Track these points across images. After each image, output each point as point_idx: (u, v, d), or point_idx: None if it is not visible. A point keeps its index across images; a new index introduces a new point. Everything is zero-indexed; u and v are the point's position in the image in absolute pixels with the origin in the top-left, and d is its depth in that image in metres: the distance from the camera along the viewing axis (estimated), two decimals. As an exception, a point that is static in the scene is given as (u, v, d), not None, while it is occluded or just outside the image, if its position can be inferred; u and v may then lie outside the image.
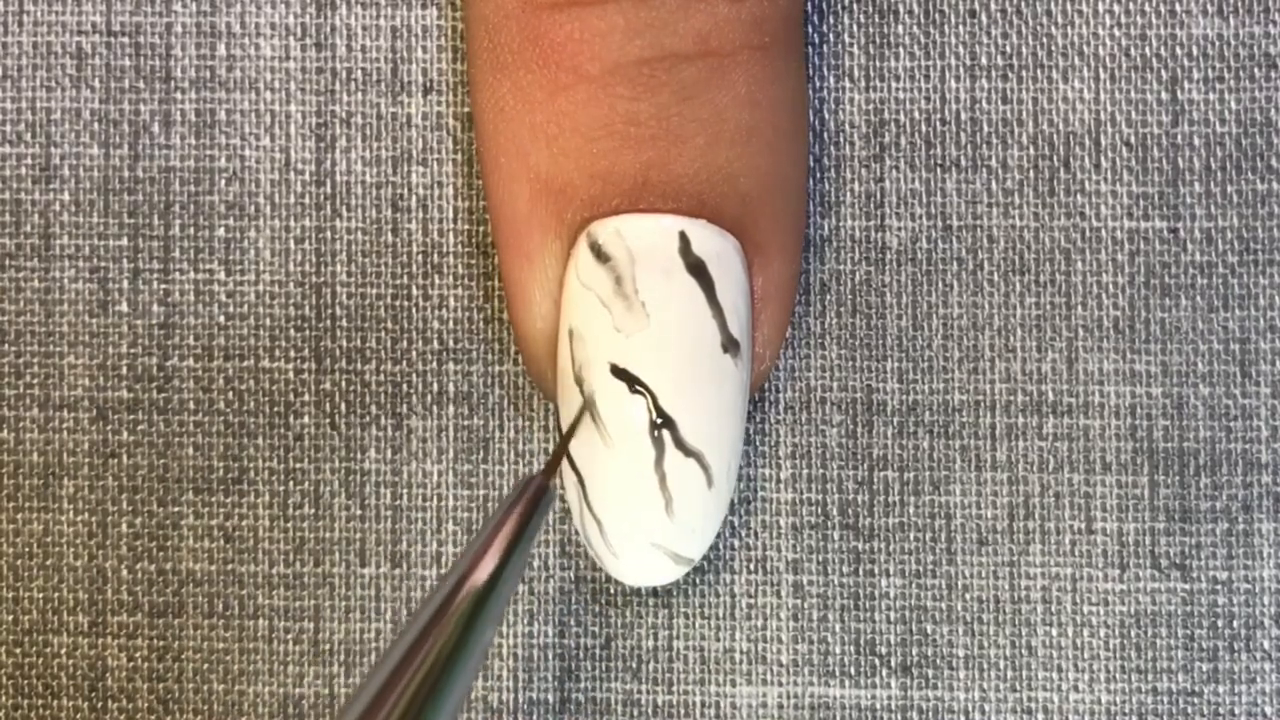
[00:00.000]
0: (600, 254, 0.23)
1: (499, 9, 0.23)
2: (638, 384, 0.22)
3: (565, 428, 0.23)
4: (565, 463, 0.23)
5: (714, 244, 0.23)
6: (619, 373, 0.22)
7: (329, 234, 0.25)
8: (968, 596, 0.25)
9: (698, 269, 0.23)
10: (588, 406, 0.23)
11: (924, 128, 0.25)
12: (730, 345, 0.23)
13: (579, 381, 0.23)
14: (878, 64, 0.25)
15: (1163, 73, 0.25)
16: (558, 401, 0.23)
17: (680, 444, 0.22)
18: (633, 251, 0.23)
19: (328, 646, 0.25)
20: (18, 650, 0.25)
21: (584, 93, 0.23)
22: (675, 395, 0.22)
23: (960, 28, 0.25)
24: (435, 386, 0.25)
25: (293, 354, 0.25)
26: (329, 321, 0.25)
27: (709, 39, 0.23)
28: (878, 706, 0.25)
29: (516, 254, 0.23)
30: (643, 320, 0.22)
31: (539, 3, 0.23)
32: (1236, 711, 0.24)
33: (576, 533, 0.25)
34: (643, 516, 0.23)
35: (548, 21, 0.23)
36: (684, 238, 0.23)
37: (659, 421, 0.22)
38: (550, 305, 0.23)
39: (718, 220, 0.23)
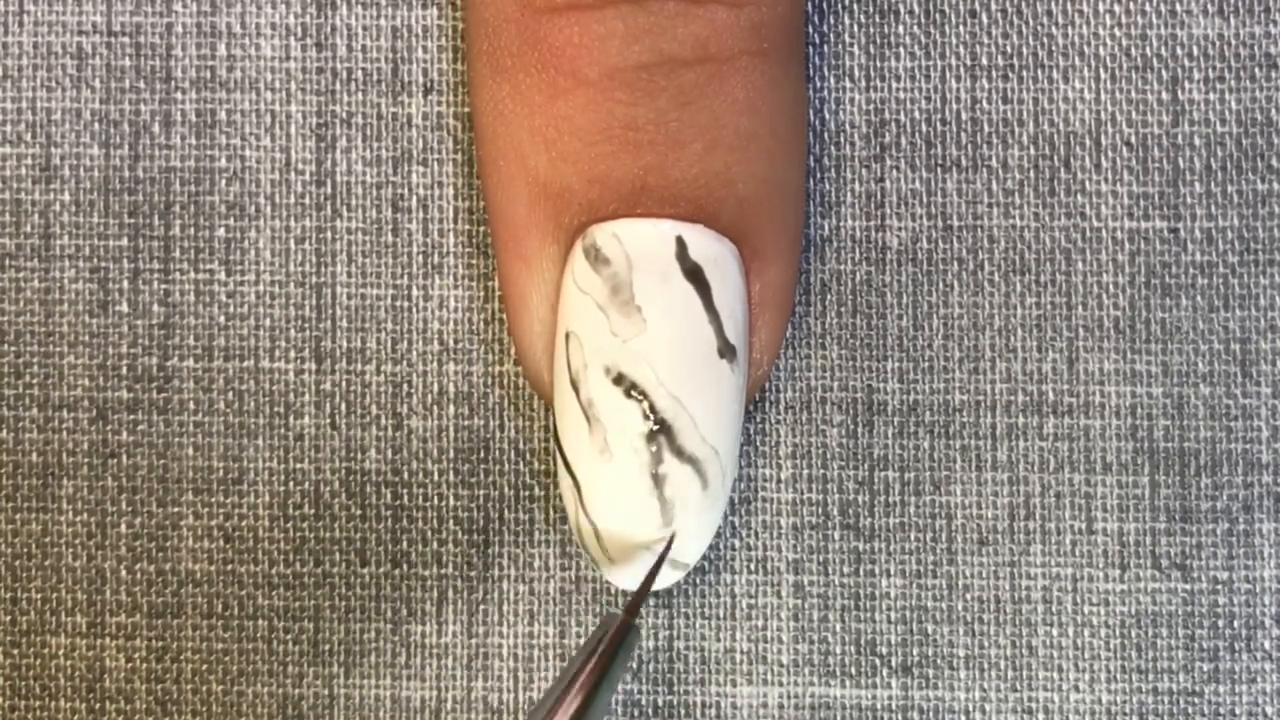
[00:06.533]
0: (598, 258, 0.23)
1: (499, 12, 0.23)
2: (634, 388, 0.22)
3: (561, 430, 0.23)
4: (561, 466, 0.23)
5: (711, 249, 0.23)
6: (615, 377, 0.22)
7: (329, 234, 0.25)
8: (968, 596, 0.25)
9: (694, 274, 0.23)
10: (584, 410, 0.23)
11: (924, 128, 0.25)
12: (727, 350, 0.23)
13: (575, 385, 0.23)
14: (878, 64, 0.25)
15: (1163, 73, 0.25)
16: (554, 405, 0.23)
17: (676, 449, 0.22)
18: (630, 256, 0.23)
19: (327, 647, 0.25)
20: (15, 651, 0.25)
21: (583, 97, 0.23)
22: (671, 400, 0.22)
23: (960, 28, 0.25)
24: (435, 387, 0.25)
25: (293, 354, 0.25)
26: (329, 322, 0.25)
27: (708, 44, 0.23)
28: (878, 706, 0.25)
29: (514, 257, 0.23)
30: (639, 325, 0.22)
31: (538, 6, 0.23)
32: (1237, 711, 0.24)
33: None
34: (638, 521, 0.23)
35: (547, 25, 0.23)
36: (681, 243, 0.23)
37: (655, 427, 0.22)
38: (547, 309, 0.23)
39: (715, 225, 0.23)
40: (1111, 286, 0.25)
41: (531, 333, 0.23)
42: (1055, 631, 0.24)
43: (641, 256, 0.23)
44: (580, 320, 0.23)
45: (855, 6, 0.25)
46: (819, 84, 0.25)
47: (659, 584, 0.23)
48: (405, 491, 0.25)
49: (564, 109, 0.23)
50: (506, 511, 0.25)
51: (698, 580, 0.25)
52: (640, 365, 0.22)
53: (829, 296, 0.25)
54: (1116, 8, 0.25)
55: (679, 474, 0.22)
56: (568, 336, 0.23)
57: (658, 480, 0.22)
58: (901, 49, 0.25)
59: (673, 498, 0.23)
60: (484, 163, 0.24)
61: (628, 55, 0.22)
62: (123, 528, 0.25)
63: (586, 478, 0.23)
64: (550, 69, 0.23)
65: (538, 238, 0.23)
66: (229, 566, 0.25)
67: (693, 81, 0.23)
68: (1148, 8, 0.25)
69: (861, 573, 0.25)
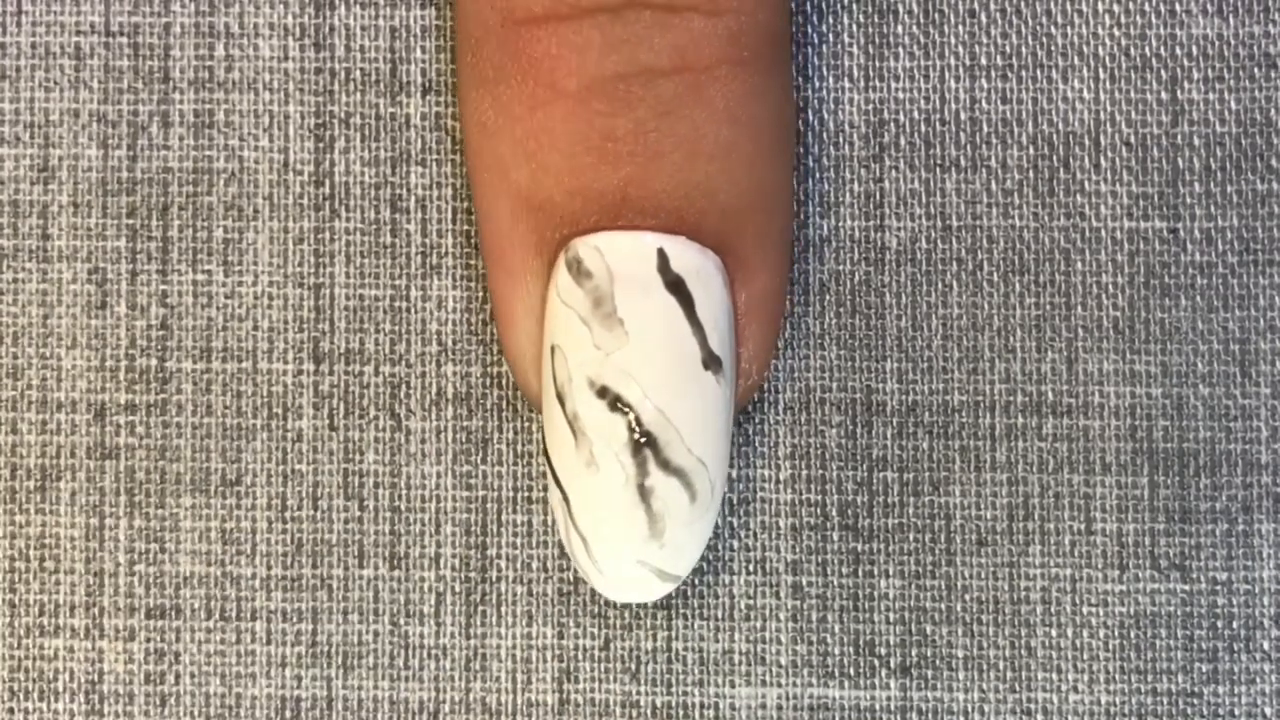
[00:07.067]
0: (580, 271, 0.23)
1: (481, 24, 0.23)
2: (619, 402, 0.22)
3: (549, 443, 0.23)
4: (550, 478, 0.23)
5: (693, 260, 0.23)
6: (600, 390, 0.22)
7: (327, 235, 0.25)
8: (967, 597, 0.25)
9: (676, 286, 0.23)
10: (570, 423, 0.23)
11: (923, 128, 0.25)
12: (711, 362, 0.23)
13: (561, 399, 0.23)
14: (877, 64, 0.25)
15: (1162, 73, 0.25)
16: (542, 418, 0.23)
17: (663, 462, 0.22)
18: (611, 269, 0.22)
19: (326, 648, 0.25)
20: (14, 653, 0.25)
21: (562, 109, 0.23)
22: (656, 413, 0.22)
23: (960, 28, 0.25)
24: (434, 387, 0.25)
25: (291, 355, 0.25)
26: (327, 323, 0.25)
27: (685, 54, 0.22)
28: (877, 708, 0.24)
29: (501, 271, 0.23)
30: (622, 338, 0.22)
31: (518, 18, 0.23)
32: (1236, 712, 0.24)
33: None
34: (626, 534, 0.23)
35: (526, 37, 0.23)
36: (662, 254, 0.23)
37: (641, 440, 0.22)
38: (534, 322, 0.23)
39: (697, 236, 0.23)
40: (1111, 287, 0.25)
41: (520, 346, 0.23)
42: (1054, 632, 0.24)
43: (623, 269, 0.22)
44: (564, 334, 0.23)
45: (854, 6, 0.25)
46: (818, 84, 0.25)
47: (648, 596, 0.23)
48: (403, 493, 0.25)
49: (544, 121, 0.23)
50: (505, 513, 0.25)
51: (696, 581, 0.25)
52: (624, 378, 0.22)
53: (828, 297, 0.25)
54: (1116, 8, 0.25)
55: (666, 486, 0.22)
56: (553, 350, 0.23)
57: (644, 493, 0.22)
58: (900, 49, 0.25)
59: (661, 510, 0.22)
60: (471, 176, 0.24)
61: (605, 66, 0.22)
62: (121, 529, 0.25)
63: (574, 491, 0.23)
64: (530, 80, 0.23)
65: (522, 252, 0.23)
66: (227, 567, 0.25)
67: (671, 91, 0.22)
68: (1147, 8, 0.25)
69: (860, 573, 0.25)
